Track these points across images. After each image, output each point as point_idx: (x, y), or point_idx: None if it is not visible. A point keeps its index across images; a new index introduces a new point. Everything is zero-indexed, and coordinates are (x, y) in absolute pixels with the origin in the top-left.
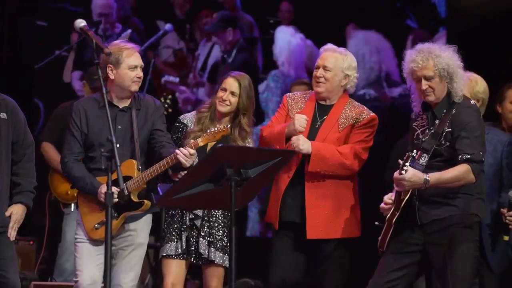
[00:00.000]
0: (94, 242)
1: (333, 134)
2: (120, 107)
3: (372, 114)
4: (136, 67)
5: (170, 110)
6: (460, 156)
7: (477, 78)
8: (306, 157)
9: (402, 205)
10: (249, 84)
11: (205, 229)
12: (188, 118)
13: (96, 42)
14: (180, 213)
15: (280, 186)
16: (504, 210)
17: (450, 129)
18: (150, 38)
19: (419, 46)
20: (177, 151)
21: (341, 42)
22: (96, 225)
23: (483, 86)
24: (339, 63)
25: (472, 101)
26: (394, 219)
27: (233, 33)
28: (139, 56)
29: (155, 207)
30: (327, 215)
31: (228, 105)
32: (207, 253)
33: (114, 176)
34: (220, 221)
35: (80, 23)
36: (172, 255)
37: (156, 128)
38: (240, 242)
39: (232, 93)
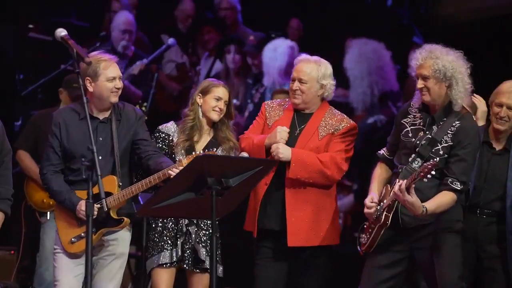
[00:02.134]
0: (73, 253)
1: (313, 142)
2: (101, 118)
3: (352, 122)
4: (114, 78)
5: (146, 118)
6: (450, 181)
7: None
8: (286, 164)
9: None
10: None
11: (202, 237)
12: (172, 130)
13: (77, 51)
14: (174, 221)
15: (258, 193)
16: None
17: (452, 143)
18: (154, 52)
19: (426, 45)
20: (171, 172)
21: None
22: (72, 239)
23: None
24: (313, 74)
25: (474, 117)
26: (389, 221)
27: None
28: (117, 67)
29: (136, 216)
30: (307, 222)
31: (220, 114)
32: (204, 259)
33: (95, 190)
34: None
35: (61, 32)
36: (167, 263)
37: (140, 138)
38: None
39: (225, 102)
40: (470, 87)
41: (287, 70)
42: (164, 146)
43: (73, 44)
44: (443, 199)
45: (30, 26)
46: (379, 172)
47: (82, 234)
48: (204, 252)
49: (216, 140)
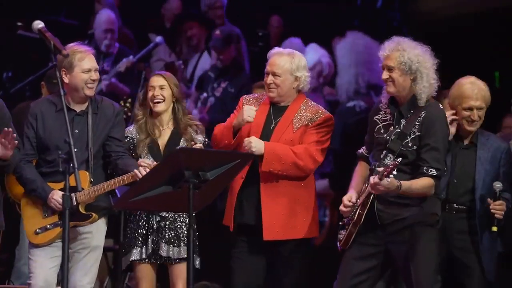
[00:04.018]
0: (49, 245)
1: (287, 135)
2: (77, 111)
3: (327, 113)
4: (89, 70)
5: (129, 113)
6: (425, 169)
7: (485, 85)
8: (259, 157)
9: (368, 205)
10: (172, 76)
11: (168, 231)
12: (133, 131)
13: (54, 44)
14: (145, 217)
15: (234, 187)
16: (491, 201)
17: (419, 133)
18: (141, 50)
19: (395, 37)
20: (136, 171)
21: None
22: (37, 230)
23: (487, 94)
24: (286, 66)
25: (441, 105)
26: (362, 218)
27: (235, 49)
28: (93, 59)
29: (113, 210)
30: (283, 216)
31: (162, 100)
32: (169, 254)
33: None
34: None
35: (38, 24)
36: (137, 260)
37: (112, 136)
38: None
39: (161, 87)
40: (435, 82)
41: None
42: (132, 148)
43: (50, 36)
44: (418, 180)
45: (19, 23)
46: (359, 170)
47: (48, 226)
48: (165, 249)
49: (177, 131)
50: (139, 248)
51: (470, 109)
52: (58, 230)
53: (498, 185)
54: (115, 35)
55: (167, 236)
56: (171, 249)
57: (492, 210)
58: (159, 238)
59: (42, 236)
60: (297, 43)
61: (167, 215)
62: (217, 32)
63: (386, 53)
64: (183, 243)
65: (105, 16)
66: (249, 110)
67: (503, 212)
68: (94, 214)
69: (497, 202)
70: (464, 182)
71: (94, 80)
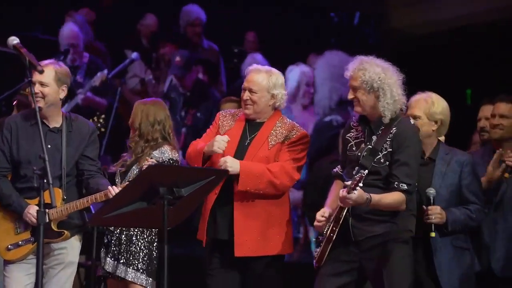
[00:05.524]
0: (24, 261)
1: (262, 152)
2: (51, 127)
3: (303, 131)
4: (34, 83)
5: (102, 129)
6: (396, 184)
7: (433, 98)
8: (234, 176)
9: (341, 221)
10: (144, 105)
11: (113, 247)
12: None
13: (29, 60)
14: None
15: (207, 202)
16: (425, 207)
17: (391, 149)
18: (117, 66)
19: (359, 57)
20: (109, 189)
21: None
22: (9, 246)
23: (441, 107)
24: (264, 84)
25: (412, 121)
26: (335, 234)
27: (196, 71)
28: (38, 73)
29: (87, 226)
30: (256, 232)
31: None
32: (113, 270)
33: (37, 201)
34: (138, 239)
35: (13, 40)
36: (101, 276)
37: (86, 155)
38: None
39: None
40: (401, 98)
41: (295, 93)
42: None
43: (25, 52)
44: (388, 194)
45: None
46: (334, 189)
47: (20, 242)
48: (110, 262)
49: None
50: (102, 264)
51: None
52: (30, 246)
53: (431, 191)
54: (78, 48)
55: (112, 252)
56: (114, 265)
57: (427, 216)
58: (107, 252)
59: (14, 252)
60: (259, 59)
61: (113, 229)
62: (177, 58)
63: (350, 73)
64: (130, 263)
65: (66, 31)
66: (220, 141)
67: (441, 216)
68: (66, 232)
69: (432, 207)
70: (420, 196)
71: (36, 93)
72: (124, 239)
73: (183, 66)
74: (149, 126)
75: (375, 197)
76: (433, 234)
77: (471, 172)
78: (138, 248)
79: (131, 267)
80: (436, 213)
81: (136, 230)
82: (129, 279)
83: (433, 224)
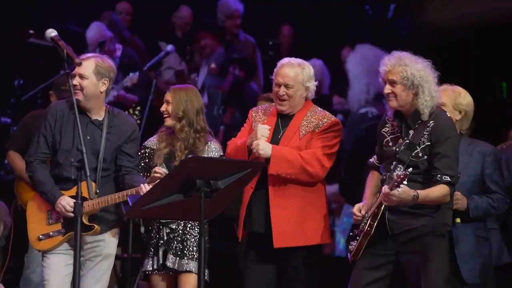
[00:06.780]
0: (62, 252)
1: (294, 142)
2: (92, 118)
3: (334, 118)
4: (74, 76)
5: (138, 121)
6: (439, 176)
7: (460, 90)
8: (268, 164)
9: (379, 216)
10: (185, 92)
11: (176, 244)
12: (153, 142)
13: (67, 52)
14: (156, 228)
15: (244, 197)
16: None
17: (429, 143)
18: (152, 59)
19: (396, 52)
20: (141, 186)
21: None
22: (40, 236)
23: (467, 99)
24: (299, 78)
25: (448, 114)
26: (373, 229)
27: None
28: (82, 66)
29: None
30: (293, 222)
31: (167, 115)
32: (175, 266)
33: (71, 193)
34: (195, 233)
35: (51, 33)
36: (149, 270)
37: (125, 151)
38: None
39: (167, 102)
40: (437, 95)
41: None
42: (147, 161)
43: (63, 45)
44: (434, 188)
45: (31, 31)
46: (371, 179)
47: (51, 233)
48: (172, 260)
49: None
50: (151, 259)
51: None
52: (61, 238)
53: None
54: (108, 45)
55: (174, 248)
56: (177, 261)
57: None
58: (168, 249)
59: (45, 243)
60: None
61: (176, 227)
62: (212, 65)
63: (388, 68)
64: (188, 256)
65: (92, 32)
66: (263, 129)
67: (461, 201)
68: (96, 226)
69: (457, 194)
70: None
71: (74, 85)
72: (182, 234)
73: (219, 73)
74: (195, 115)
75: (422, 193)
76: (458, 220)
77: (494, 162)
78: (195, 241)
79: (194, 260)
80: (456, 199)
81: (190, 223)
82: (195, 272)
83: (457, 211)
